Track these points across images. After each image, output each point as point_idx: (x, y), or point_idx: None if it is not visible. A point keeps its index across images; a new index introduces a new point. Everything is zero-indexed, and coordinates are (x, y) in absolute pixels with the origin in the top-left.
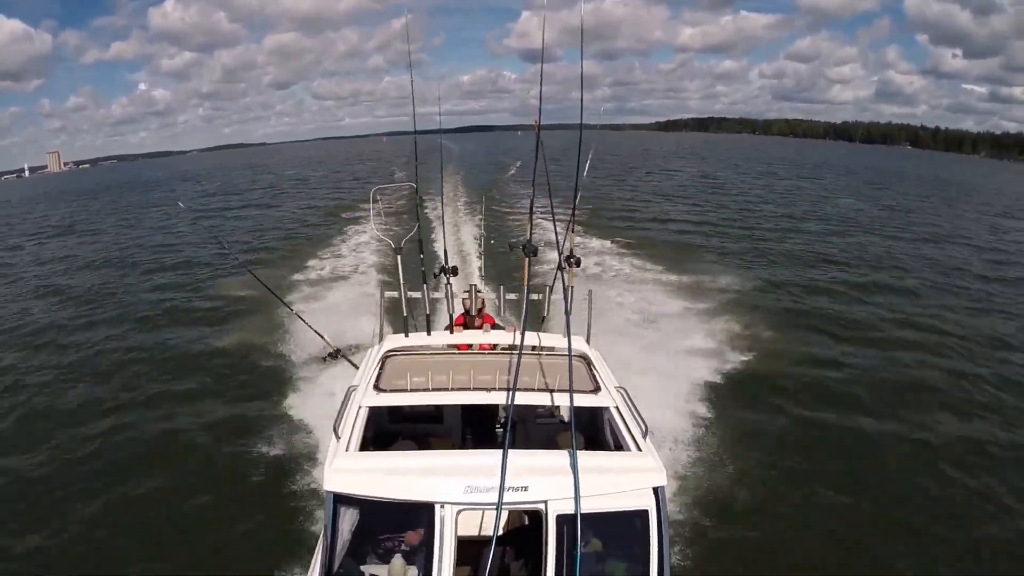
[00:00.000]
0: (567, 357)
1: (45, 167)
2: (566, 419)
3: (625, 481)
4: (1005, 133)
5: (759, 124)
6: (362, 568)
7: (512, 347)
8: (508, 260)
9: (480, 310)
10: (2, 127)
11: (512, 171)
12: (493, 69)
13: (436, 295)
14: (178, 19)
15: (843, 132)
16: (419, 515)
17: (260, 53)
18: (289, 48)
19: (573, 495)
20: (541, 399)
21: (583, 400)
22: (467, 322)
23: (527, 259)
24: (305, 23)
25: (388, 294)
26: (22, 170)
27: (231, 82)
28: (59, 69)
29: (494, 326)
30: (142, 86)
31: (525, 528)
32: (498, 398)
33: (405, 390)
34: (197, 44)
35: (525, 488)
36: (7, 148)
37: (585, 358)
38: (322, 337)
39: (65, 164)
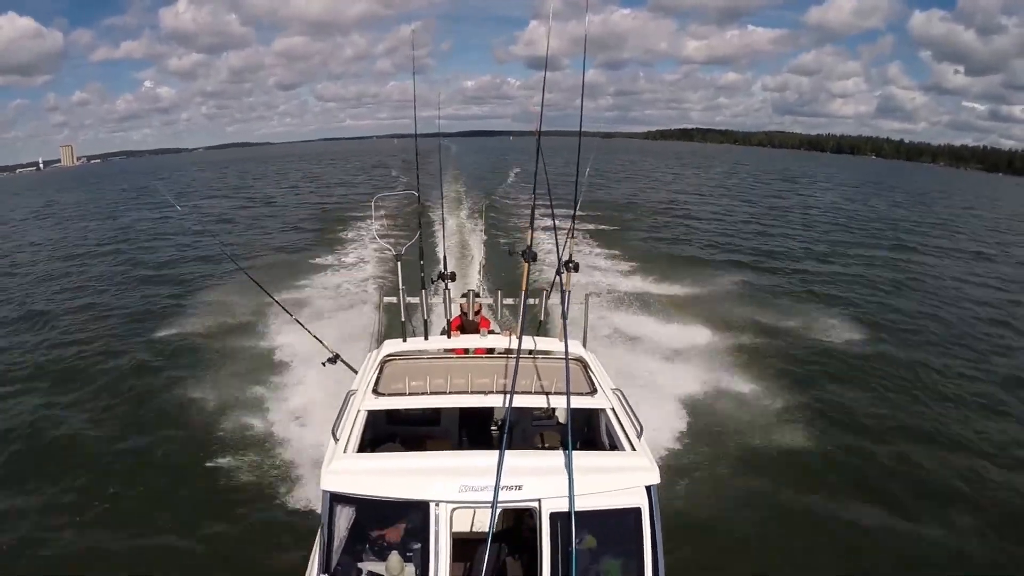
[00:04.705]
0: (564, 360)
1: (59, 161)
2: (562, 421)
3: (618, 480)
4: (963, 146)
5: (739, 135)
6: (359, 565)
7: (509, 351)
8: (506, 265)
9: (477, 313)
10: (7, 120)
11: (511, 177)
12: (498, 75)
13: (434, 300)
14: (189, 20)
15: (815, 144)
16: (414, 513)
17: (268, 55)
18: (297, 51)
19: (566, 493)
20: (538, 401)
21: (579, 402)
22: (464, 326)
23: (527, 264)
24: (315, 27)
25: (386, 299)
26: (38, 164)
27: (237, 82)
28: (67, 66)
29: (490, 330)
30: (147, 83)
31: (520, 526)
32: (495, 401)
33: (404, 394)
34: (206, 45)
35: (519, 487)
36: (10, 141)
37: (581, 361)
38: (320, 342)
39: (78, 159)
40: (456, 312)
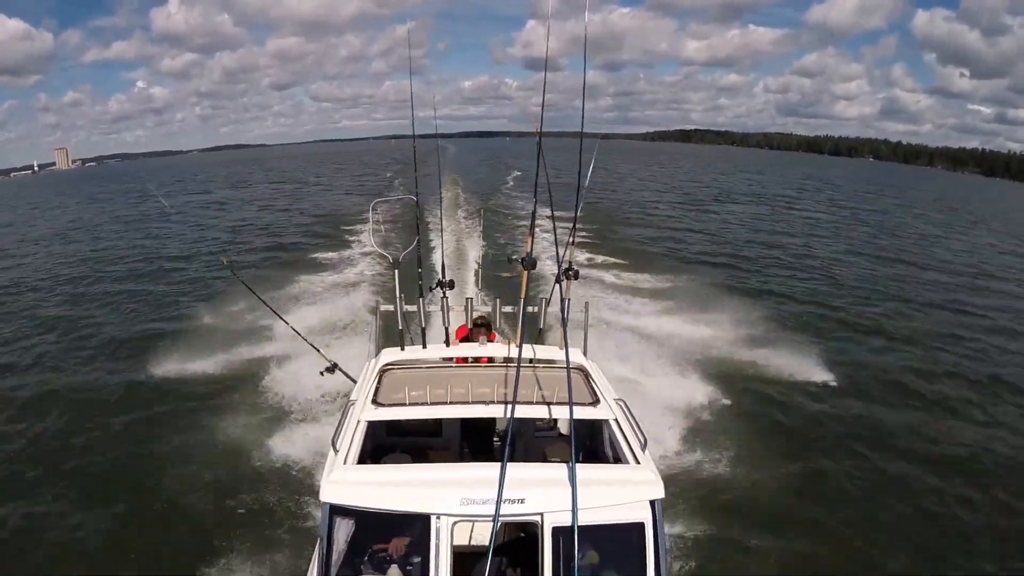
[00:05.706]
0: (565, 369)
1: (53, 164)
2: (564, 432)
3: (622, 494)
4: (961, 148)
5: (737, 137)
6: None
7: (509, 360)
8: (505, 271)
9: (488, 332)
10: None
11: (510, 181)
12: (495, 76)
13: (432, 308)
14: (180, 21)
15: (813, 145)
16: (415, 526)
17: (262, 55)
18: (291, 51)
19: (569, 507)
20: (540, 412)
21: (582, 413)
22: (468, 338)
23: (526, 272)
24: (308, 27)
25: (384, 307)
26: (33, 167)
27: (231, 83)
28: (57, 67)
29: (490, 339)
30: (140, 84)
31: (522, 540)
32: (497, 411)
33: (404, 404)
34: (198, 46)
35: (522, 500)
36: (1, 144)
37: (583, 370)
38: (318, 351)
39: (73, 162)
40: (457, 321)
